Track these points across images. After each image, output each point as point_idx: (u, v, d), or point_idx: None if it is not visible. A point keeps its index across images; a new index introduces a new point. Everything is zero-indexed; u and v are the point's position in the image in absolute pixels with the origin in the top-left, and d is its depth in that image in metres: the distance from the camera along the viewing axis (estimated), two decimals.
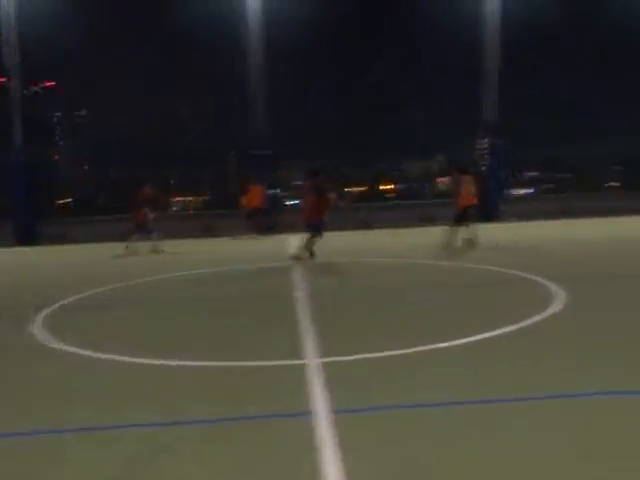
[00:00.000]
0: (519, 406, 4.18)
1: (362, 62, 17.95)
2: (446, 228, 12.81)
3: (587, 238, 14.42)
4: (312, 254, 11.76)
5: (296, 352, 5.54)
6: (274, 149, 18.58)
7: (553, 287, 8.08)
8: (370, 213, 19.47)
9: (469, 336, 5.80)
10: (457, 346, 5.55)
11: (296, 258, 11.70)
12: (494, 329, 6.02)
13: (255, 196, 18.06)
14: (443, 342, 5.63)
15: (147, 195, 14.99)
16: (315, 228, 11.70)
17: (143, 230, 14.82)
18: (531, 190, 24.02)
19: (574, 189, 21.92)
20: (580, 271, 9.63)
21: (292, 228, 18.26)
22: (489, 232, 15.31)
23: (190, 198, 24.11)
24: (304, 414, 4.07)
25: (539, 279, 8.71)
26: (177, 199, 23.94)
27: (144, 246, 14.81)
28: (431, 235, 14.85)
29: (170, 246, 16.18)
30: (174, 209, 22.91)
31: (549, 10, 17.47)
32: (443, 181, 23.76)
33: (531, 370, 4.88)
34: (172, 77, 17.94)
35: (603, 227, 16.79)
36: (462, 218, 12.57)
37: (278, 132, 18.41)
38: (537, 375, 4.77)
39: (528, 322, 6.30)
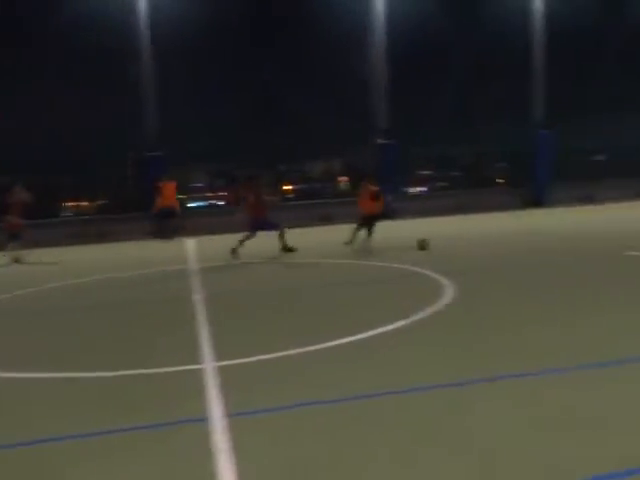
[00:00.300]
0: (407, 398, 4.37)
1: (255, 64, 17.90)
2: (352, 227, 13.04)
3: (478, 232, 15.15)
4: (235, 252, 12.29)
5: (193, 357, 5.51)
6: (167, 151, 18.21)
7: (445, 281, 8.48)
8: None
9: (362, 332, 5.99)
10: (349, 343, 5.72)
11: (288, 250, 12.58)
12: (387, 324, 6.24)
13: (169, 195, 17.61)
14: (337, 340, 5.78)
15: (17, 200, 14.06)
16: (257, 228, 12.42)
17: (17, 237, 14.00)
18: (425, 188, 24.81)
19: (465, 186, 22.91)
20: (471, 265, 10.13)
21: (195, 231, 18.00)
22: (386, 229, 15.80)
23: (85, 203, 23.14)
24: (200, 420, 4.07)
25: (432, 274, 9.10)
26: (70, 204, 22.89)
27: (25, 254, 14.05)
28: (330, 234, 15.13)
29: (63, 253, 15.51)
30: (67, 214, 21.89)
31: (435, 23, 18.31)
32: (344, 180, 24.13)
33: (418, 363, 5.12)
34: (62, 79, 17.17)
35: (492, 222, 17.72)
36: (365, 223, 12.85)
37: (173, 134, 18.09)
38: (423, 367, 5.00)
39: (419, 316, 6.59)
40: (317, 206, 20.47)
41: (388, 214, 18.15)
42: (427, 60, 18.56)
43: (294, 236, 13.22)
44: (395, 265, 10.35)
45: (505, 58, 19.51)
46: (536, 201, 20.13)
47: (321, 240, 15.15)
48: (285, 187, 23.87)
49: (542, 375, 4.68)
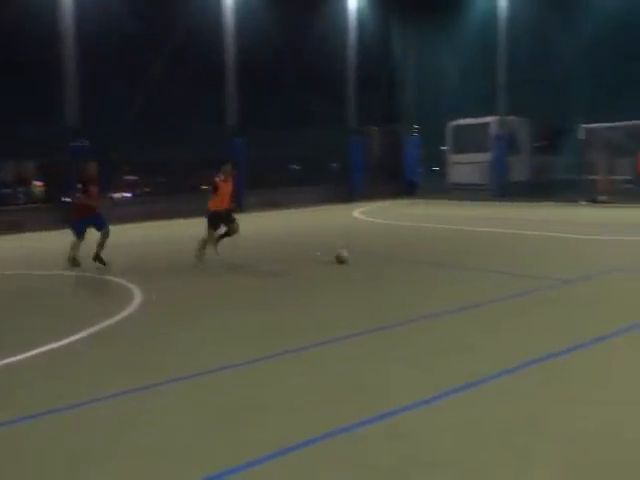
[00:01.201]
0: (91, 409, 4.39)
1: None
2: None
3: (175, 238, 15.31)
4: (74, 261, 10.11)
5: None
6: None
7: (135, 287, 8.53)
8: None
9: (45, 345, 5.78)
10: (28, 358, 5.49)
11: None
12: (72, 335, 6.12)
13: None
14: (13, 357, 5.50)
15: None
16: (74, 227, 10.17)
17: None
18: (129, 194, 24.26)
19: (169, 192, 22.92)
20: (165, 270, 10.28)
21: None
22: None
23: None
24: None
25: (125, 282, 9.04)
26: None
27: None
28: (23, 242, 14.00)
29: None
30: None
31: (129, 22, 18.14)
32: (39, 185, 22.32)
33: (104, 369, 5.18)
34: None
35: (191, 227, 18.08)
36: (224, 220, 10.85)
37: None
38: (110, 374, 5.07)
39: (107, 323, 6.59)
40: (6, 213, 18.61)
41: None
42: (120, 60, 18.22)
43: None
44: (86, 274, 9.99)
45: (201, 64, 20.07)
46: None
47: (15, 249, 13.87)
48: None
49: (218, 372, 5.10)
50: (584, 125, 20.58)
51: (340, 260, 10.26)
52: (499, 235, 13.47)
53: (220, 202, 10.64)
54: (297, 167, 26.18)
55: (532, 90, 22.24)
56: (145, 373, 5.05)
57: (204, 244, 10.73)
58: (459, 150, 24.63)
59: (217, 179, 10.67)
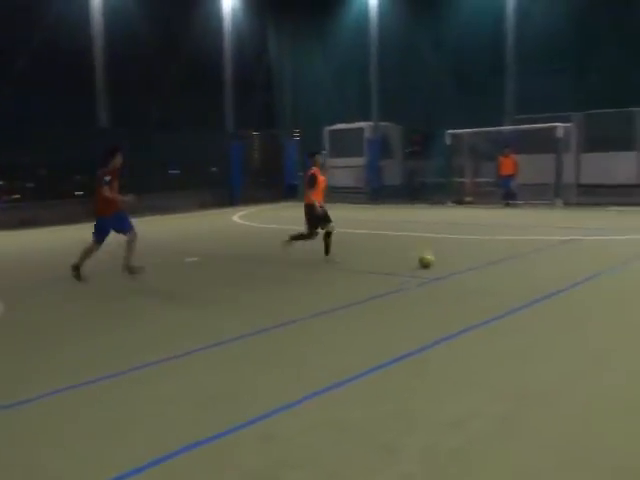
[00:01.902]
0: None
1: None
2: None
3: (44, 247, 14.61)
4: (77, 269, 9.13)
5: None
6: None
7: None
8: None
9: None
10: None
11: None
12: None
13: None
14: None
15: None
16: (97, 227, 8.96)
17: None
18: None
19: (38, 198, 21.67)
20: (24, 282, 9.79)
21: None
22: None
23: None
24: None
25: None
26: None
27: None
28: None
29: None
30: None
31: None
32: None
33: None
34: None
35: (63, 234, 17.29)
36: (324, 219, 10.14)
37: None
38: None
39: None
40: None
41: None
42: None
43: None
44: None
45: (69, 61, 19.18)
46: None
47: None
48: None
49: (81, 387, 5.00)
50: (449, 131, 21.85)
51: (425, 264, 9.48)
52: (369, 236, 14.02)
53: (319, 196, 10.05)
54: (176, 171, 25.67)
55: (403, 97, 23.33)
56: (6, 389, 4.86)
57: (299, 238, 10.36)
58: (336, 154, 25.30)
59: (314, 171, 10.01)
